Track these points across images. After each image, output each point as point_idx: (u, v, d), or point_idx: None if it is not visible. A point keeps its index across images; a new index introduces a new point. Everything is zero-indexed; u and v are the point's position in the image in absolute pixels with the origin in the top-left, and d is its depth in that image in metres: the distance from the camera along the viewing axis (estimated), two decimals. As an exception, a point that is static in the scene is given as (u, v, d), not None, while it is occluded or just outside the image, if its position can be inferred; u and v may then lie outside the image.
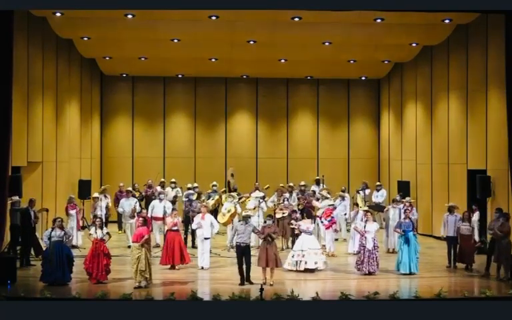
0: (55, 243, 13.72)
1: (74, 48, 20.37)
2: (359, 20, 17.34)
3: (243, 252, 13.91)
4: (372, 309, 11.59)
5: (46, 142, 18.61)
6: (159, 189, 20.03)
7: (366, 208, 17.22)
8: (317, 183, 21.34)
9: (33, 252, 15.72)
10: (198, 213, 16.29)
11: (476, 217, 16.64)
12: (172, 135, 24.59)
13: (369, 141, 25.09)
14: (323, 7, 14.60)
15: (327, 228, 17.27)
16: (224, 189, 20.69)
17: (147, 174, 22.26)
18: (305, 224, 15.73)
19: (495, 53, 17.21)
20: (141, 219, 14.05)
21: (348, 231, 19.18)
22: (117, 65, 22.82)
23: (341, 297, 12.38)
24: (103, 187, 20.87)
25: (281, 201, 18.58)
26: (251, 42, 19.35)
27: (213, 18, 17.30)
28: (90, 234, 14.11)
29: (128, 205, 18.41)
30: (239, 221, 15.14)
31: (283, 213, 18.05)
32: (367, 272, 14.75)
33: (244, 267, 13.87)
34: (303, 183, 20.58)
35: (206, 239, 15.49)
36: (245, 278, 13.83)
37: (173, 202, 18.62)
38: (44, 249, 14.56)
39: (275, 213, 18.18)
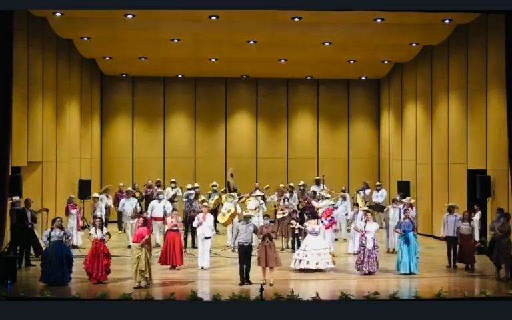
0: (55, 243, 13.73)
1: (74, 48, 20.37)
2: (359, 20, 17.33)
3: (245, 251, 13.92)
4: (372, 309, 11.58)
5: (46, 142, 18.59)
6: (158, 189, 20.03)
7: (366, 208, 17.22)
8: (317, 183, 21.30)
9: (32, 252, 15.72)
10: (198, 212, 16.30)
11: (477, 216, 16.64)
12: (172, 135, 24.58)
13: (368, 141, 25.08)
14: (322, 7, 14.59)
15: (327, 228, 17.23)
16: (224, 188, 20.68)
17: (147, 174, 22.29)
18: (311, 225, 15.70)
19: (495, 53, 17.21)
20: (141, 219, 14.07)
21: (348, 230, 19.19)
22: (117, 64, 22.81)
23: (341, 296, 12.38)
24: (105, 187, 20.87)
25: (281, 201, 18.58)
26: (251, 42, 19.34)
27: (213, 18, 17.30)
28: (90, 234, 14.12)
29: (129, 205, 18.43)
30: (239, 221, 15.14)
31: (283, 213, 18.05)
32: (367, 272, 14.75)
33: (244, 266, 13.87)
34: (302, 183, 20.58)
35: (207, 238, 15.48)
36: (245, 278, 13.83)
37: (171, 201, 18.59)
38: (44, 248, 14.56)
39: (275, 213, 18.16)
